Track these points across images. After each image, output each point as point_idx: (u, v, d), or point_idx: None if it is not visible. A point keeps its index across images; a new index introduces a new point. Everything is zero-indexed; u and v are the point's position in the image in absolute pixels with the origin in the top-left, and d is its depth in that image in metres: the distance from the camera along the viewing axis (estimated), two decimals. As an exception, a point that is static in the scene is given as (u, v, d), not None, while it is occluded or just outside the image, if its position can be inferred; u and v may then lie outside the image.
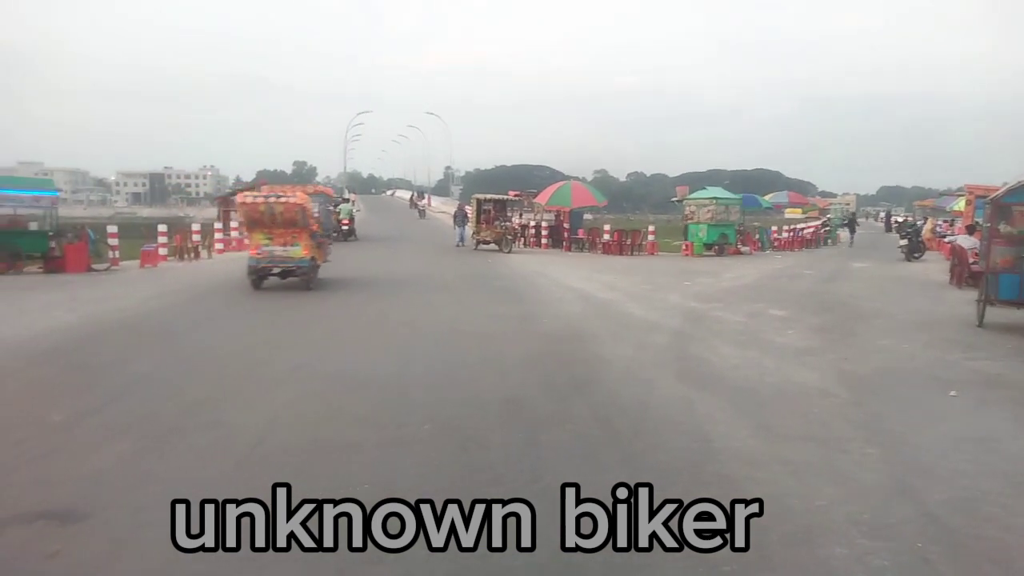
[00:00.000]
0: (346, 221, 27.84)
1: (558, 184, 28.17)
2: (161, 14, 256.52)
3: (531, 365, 7.75)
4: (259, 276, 13.32)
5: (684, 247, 25.98)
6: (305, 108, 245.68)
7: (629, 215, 75.75)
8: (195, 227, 22.27)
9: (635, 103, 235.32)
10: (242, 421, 5.48)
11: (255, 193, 14.25)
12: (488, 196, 26.91)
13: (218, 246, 22.17)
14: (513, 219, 26.97)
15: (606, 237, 25.97)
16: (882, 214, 63.60)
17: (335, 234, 27.77)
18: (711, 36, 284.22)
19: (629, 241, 25.56)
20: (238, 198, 14.61)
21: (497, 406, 6.16)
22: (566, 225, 27.31)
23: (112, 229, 18.53)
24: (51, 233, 16.39)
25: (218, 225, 24.59)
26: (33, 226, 16.44)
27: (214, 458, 4.71)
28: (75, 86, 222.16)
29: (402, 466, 4.63)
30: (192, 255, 19.94)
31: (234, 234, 23.63)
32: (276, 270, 13.43)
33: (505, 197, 27.71)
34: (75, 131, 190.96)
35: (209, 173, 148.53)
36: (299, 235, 13.33)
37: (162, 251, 18.94)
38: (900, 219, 41.77)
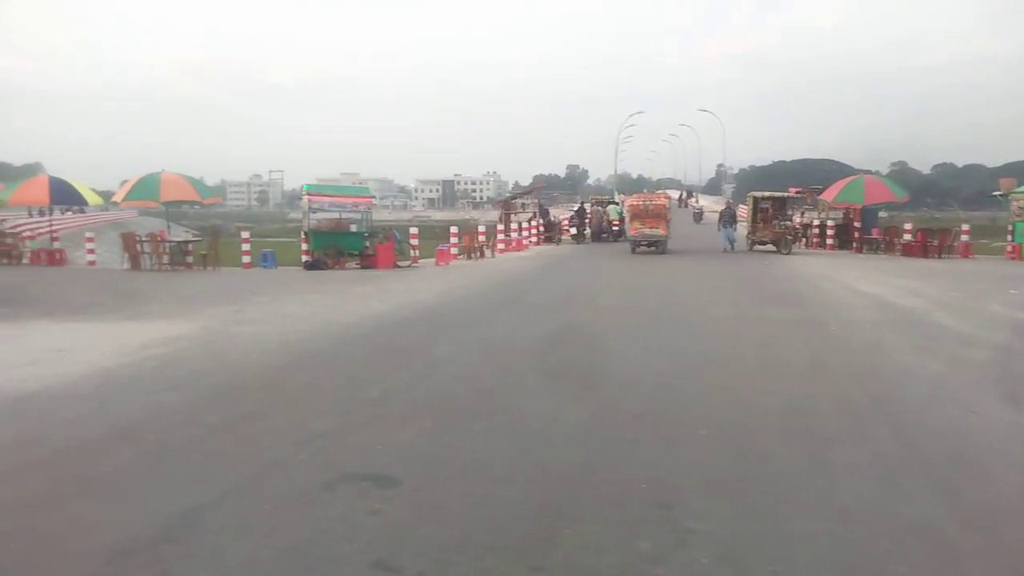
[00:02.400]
0: (616, 222, 28.25)
1: (848, 179, 25.60)
2: (455, 36, 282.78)
3: (816, 374, 7.15)
4: (636, 245, 22.70)
5: (1009, 249, 22.09)
6: (579, 112, 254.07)
7: (934, 212, 66.45)
8: (480, 229, 24.20)
9: (942, 83, 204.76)
10: (528, 409, 5.81)
11: (638, 197, 24.61)
12: (766, 193, 25.45)
13: (500, 246, 23.83)
14: (794, 218, 25.17)
15: (907, 237, 23.07)
16: None
17: (605, 235, 28.41)
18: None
19: (936, 242, 22.40)
20: (628, 200, 25.20)
21: (778, 416, 5.77)
22: (857, 224, 24.79)
23: (413, 230, 20.95)
24: (366, 234, 19.02)
25: (500, 227, 26.52)
26: (353, 228, 19.21)
27: (504, 441, 5.06)
28: (385, 103, 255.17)
29: (679, 467, 4.55)
30: (478, 254, 21.70)
31: (514, 235, 25.23)
32: (645, 243, 22.53)
33: (785, 194, 25.98)
34: (383, 143, 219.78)
35: (491, 179, 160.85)
36: (660, 223, 22.45)
37: (453, 250, 20.90)
38: None
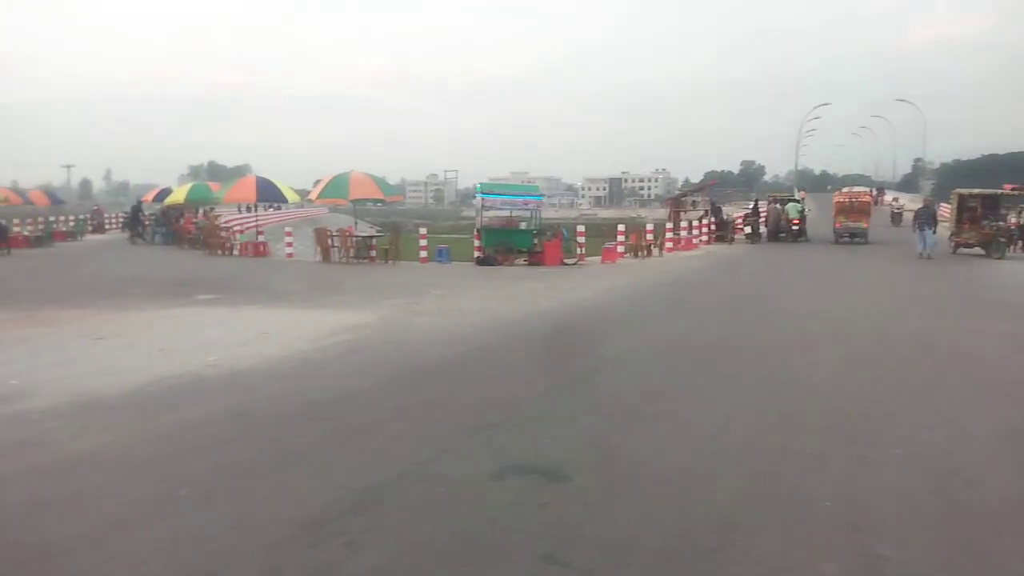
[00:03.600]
0: (796, 220, 26.54)
1: (1079, 174, 22.30)
2: (623, 34, 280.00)
3: (1038, 397, 6.30)
4: (840, 237, 25.05)
5: None
6: (757, 105, 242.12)
7: None
8: (648, 227, 23.75)
9: None
10: (699, 414, 5.63)
11: (844, 194, 28.17)
12: (974, 191, 22.79)
13: (668, 245, 23.27)
14: (1009, 218, 22.31)
15: None
16: None
17: (783, 235, 26.81)
18: None
19: None
20: (835, 196, 27.79)
21: (990, 441, 5.16)
22: (1090, 226, 21.52)
23: (580, 228, 21.00)
24: (535, 232, 19.35)
25: (668, 225, 25.88)
26: (522, 226, 19.62)
27: (674, 445, 4.93)
28: (557, 104, 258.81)
29: (870, 487, 4.19)
30: (645, 253, 21.34)
31: (683, 234, 24.53)
32: (848, 234, 25.01)
33: (998, 192, 23.10)
34: (552, 143, 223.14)
35: (660, 176, 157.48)
36: (862, 217, 25.23)
37: (620, 249, 20.71)
38: None
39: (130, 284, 14.56)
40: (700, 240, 25.11)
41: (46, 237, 27.66)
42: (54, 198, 38.91)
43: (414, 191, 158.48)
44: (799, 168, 76.50)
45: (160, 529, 3.66)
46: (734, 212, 33.20)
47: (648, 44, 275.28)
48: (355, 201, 21.62)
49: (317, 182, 23.55)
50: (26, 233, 27.09)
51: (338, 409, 5.75)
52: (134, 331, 9.24)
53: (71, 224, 32.97)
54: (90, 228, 34.95)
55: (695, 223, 25.78)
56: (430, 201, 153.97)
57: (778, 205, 28.31)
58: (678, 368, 7.29)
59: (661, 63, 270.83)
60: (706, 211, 27.45)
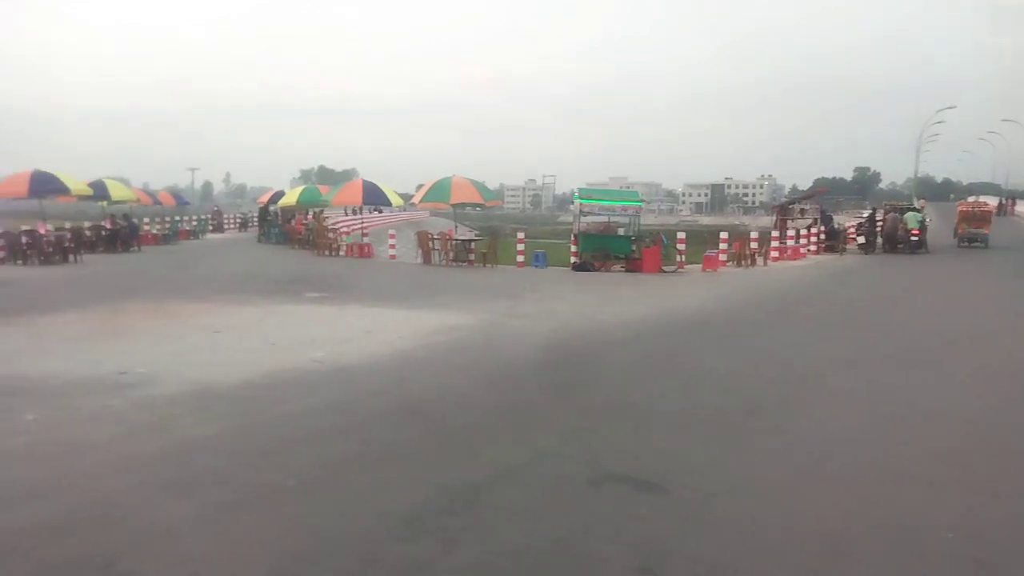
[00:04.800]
0: (915, 231, 24.92)
1: None
2: (736, 32, 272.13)
3: None
4: (962, 241, 27.35)
5: None
6: (874, 109, 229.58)
7: None
8: (753, 235, 22.95)
9: None
10: (805, 432, 5.37)
11: (967, 203, 30.03)
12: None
13: (773, 254, 22.42)
14: None
15: None
16: None
17: (900, 245, 25.26)
18: None
19: None
20: (959, 205, 30.08)
21: None
22: None
23: (680, 235, 20.55)
24: (633, 238, 19.09)
25: (774, 233, 24.89)
26: (620, 232, 19.41)
27: (778, 462, 4.73)
28: (652, 106, 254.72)
29: (995, 520, 3.87)
30: (748, 262, 20.64)
31: (790, 243, 23.56)
32: (967, 239, 27.15)
33: None
34: (654, 147, 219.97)
35: (766, 183, 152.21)
36: (984, 224, 27.23)
37: (722, 257, 20.10)
38: None
39: (245, 281, 15.42)
40: (808, 250, 24.03)
41: (172, 235, 29.81)
42: (179, 199, 41.70)
43: (512, 196, 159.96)
44: (919, 175, 71.72)
45: (267, 515, 3.84)
46: (846, 221, 31.60)
47: (755, 43, 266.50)
48: (456, 205, 22.02)
49: (420, 186, 24.15)
50: (154, 232, 29.31)
51: (437, 407, 5.86)
52: (248, 325, 9.77)
53: (193, 224, 35.33)
54: (211, 228, 37.34)
55: (803, 232, 24.69)
56: (528, 206, 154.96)
57: (896, 214, 26.70)
58: (784, 383, 6.99)
59: (768, 58, 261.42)
60: (815, 219, 26.23)
